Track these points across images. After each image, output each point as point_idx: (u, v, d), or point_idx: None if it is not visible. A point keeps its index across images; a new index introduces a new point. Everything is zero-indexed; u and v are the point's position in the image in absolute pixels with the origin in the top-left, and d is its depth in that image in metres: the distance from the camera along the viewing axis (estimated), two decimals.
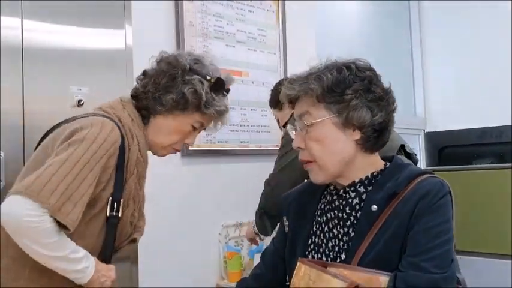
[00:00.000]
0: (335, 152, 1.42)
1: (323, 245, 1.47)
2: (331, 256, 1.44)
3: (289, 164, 2.66)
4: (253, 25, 3.64)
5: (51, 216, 1.54)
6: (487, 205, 2.93)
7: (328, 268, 1.35)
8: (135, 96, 1.86)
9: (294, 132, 1.50)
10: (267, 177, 2.84)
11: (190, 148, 3.13)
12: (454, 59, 4.91)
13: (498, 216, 2.87)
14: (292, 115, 1.83)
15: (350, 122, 1.39)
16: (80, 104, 2.32)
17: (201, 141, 3.24)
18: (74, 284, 1.67)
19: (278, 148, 2.88)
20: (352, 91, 1.39)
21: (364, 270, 1.31)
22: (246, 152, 3.51)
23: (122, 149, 1.72)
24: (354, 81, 1.40)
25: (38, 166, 1.62)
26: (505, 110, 4.24)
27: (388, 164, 1.49)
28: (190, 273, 3.20)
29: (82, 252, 1.65)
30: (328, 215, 1.48)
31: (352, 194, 1.44)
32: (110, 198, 1.72)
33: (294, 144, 1.48)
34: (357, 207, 1.42)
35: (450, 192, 1.38)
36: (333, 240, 1.45)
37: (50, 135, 1.77)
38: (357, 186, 1.44)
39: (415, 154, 2.47)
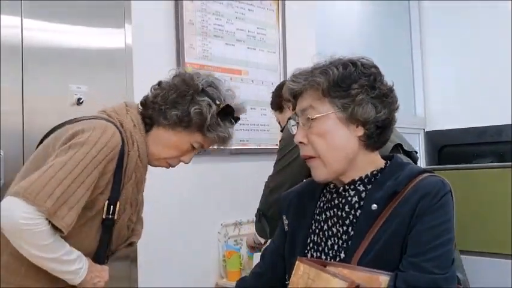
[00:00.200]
0: (338, 147, 1.41)
1: (322, 243, 1.46)
2: (331, 255, 1.43)
3: (287, 166, 2.66)
4: (253, 24, 3.64)
5: (47, 219, 1.56)
6: (487, 204, 2.92)
7: (327, 267, 1.34)
8: (144, 103, 1.88)
9: (294, 128, 1.49)
10: (267, 179, 2.84)
11: None
12: (454, 59, 4.91)
13: (498, 215, 2.87)
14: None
15: (355, 118, 1.39)
16: (79, 102, 2.32)
17: None
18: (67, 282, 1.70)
19: (277, 147, 2.88)
20: (358, 86, 1.38)
21: (363, 270, 1.30)
22: (245, 151, 3.51)
23: (121, 154, 1.73)
24: (359, 77, 1.40)
25: (38, 165, 1.64)
26: (505, 110, 4.24)
27: (388, 162, 1.48)
28: (190, 272, 3.20)
29: (75, 254, 1.68)
30: (328, 214, 1.48)
31: (352, 193, 1.43)
32: (107, 201, 1.74)
33: (296, 139, 1.47)
34: (357, 205, 1.41)
35: (451, 192, 1.37)
36: (332, 239, 1.44)
37: (52, 135, 1.79)
38: (357, 185, 1.43)
39: (416, 152, 2.46)
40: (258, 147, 3.56)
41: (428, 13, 5.21)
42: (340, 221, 1.43)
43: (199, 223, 3.27)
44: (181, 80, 1.84)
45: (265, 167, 2.96)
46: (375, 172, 1.45)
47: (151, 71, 2.97)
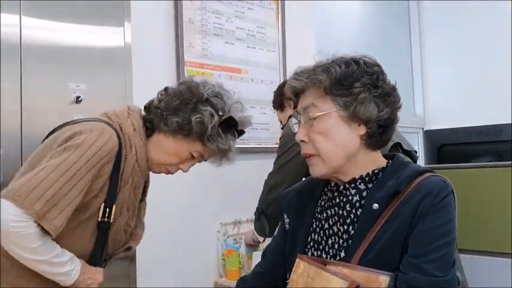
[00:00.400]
0: (340, 145, 1.40)
1: (323, 242, 1.46)
2: (331, 253, 1.42)
3: (287, 163, 2.66)
4: (252, 22, 3.64)
5: (36, 222, 1.56)
6: (486, 203, 2.92)
7: (327, 266, 1.34)
8: (147, 108, 1.87)
9: (296, 126, 1.49)
10: (267, 177, 2.84)
11: None
12: (453, 59, 4.92)
13: (497, 214, 2.87)
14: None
15: (357, 116, 1.38)
16: (78, 100, 2.31)
17: None
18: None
19: (277, 146, 2.88)
20: (361, 84, 1.38)
21: (363, 270, 1.30)
22: (245, 149, 3.50)
23: (118, 157, 1.73)
24: (362, 75, 1.39)
25: (35, 166, 1.65)
26: (504, 109, 4.24)
27: (390, 162, 1.47)
28: (189, 271, 3.20)
29: (67, 256, 1.68)
30: (329, 212, 1.47)
31: (353, 191, 1.42)
32: (103, 204, 1.73)
33: (297, 137, 1.46)
34: (357, 204, 1.41)
35: (453, 192, 1.36)
36: (332, 238, 1.44)
37: (52, 136, 1.79)
38: (357, 183, 1.43)
39: (415, 151, 2.46)
40: (258, 146, 3.56)
41: (427, 13, 5.21)
42: (341, 220, 1.43)
43: (198, 222, 3.27)
44: (186, 88, 1.83)
45: (265, 166, 2.95)
46: (376, 171, 1.44)
47: (151, 70, 3.00)
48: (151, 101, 1.87)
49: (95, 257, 1.79)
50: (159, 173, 1.92)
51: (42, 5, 2.27)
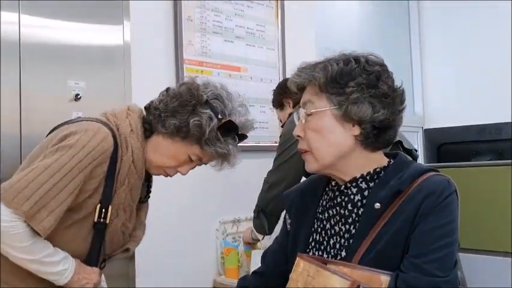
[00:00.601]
0: (331, 144, 1.39)
1: (324, 242, 1.45)
2: (332, 253, 1.42)
3: (286, 161, 2.66)
4: (252, 20, 3.63)
5: (25, 222, 1.55)
6: (486, 202, 2.92)
7: (327, 265, 1.33)
8: (148, 108, 1.84)
9: (298, 120, 1.48)
10: (267, 175, 2.84)
11: None
12: (453, 58, 4.93)
13: (497, 213, 2.87)
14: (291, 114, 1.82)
15: (349, 116, 1.37)
16: (77, 98, 2.31)
17: None
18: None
19: (276, 145, 2.88)
20: (354, 84, 1.36)
21: (364, 269, 1.29)
22: (244, 148, 3.45)
23: (114, 158, 1.70)
24: (359, 74, 1.37)
25: (31, 164, 1.64)
26: (503, 108, 4.23)
27: (392, 160, 1.46)
28: (187, 269, 3.19)
29: (60, 255, 1.68)
30: (330, 212, 1.46)
31: (354, 190, 1.41)
32: (99, 204, 1.72)
33: (295, 133, 1.47)
34: (359, 204, 1.40)
35: (456, 191, 1.35)
36: (334, 238, 1.43)
37: (50, 135, 1.77)
38: (359, 182, 1.41)
39: (416, 150, 2.46)
40: (257, 144, 3.55)
41: (427, 13, 5.21)
42: (342, 220, 1.42)
43: (197, 220, 3.27)
44: (186, 89, 1.78)
45: (264, 164, 2.95)
46: (378, 170, 1.43)
47: (150, 68, 2.99)
48: (152, 102, 1.84)
49: (92, 258, 1.78)
50: (157, 175, 1.89)
51: (41, 3, 2.26)
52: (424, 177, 1.35)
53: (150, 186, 1.99)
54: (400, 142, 2.35)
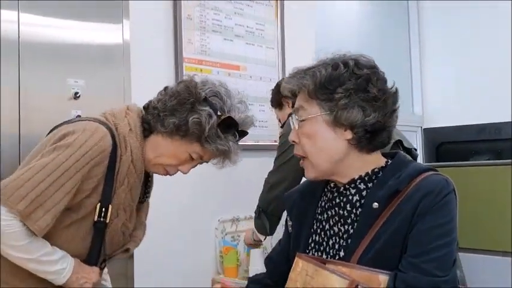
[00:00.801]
0: (324, 149, 1.40)
1: (324, 243, 1.45)
2: (331, 254, 1.42)
3: (287, 161, 2.66)
4: (251, 19, 3.62)
5: (21, 221, 1.55)
6: (485, 202, 2.92)
7: (326, 265, 1.33)
8: (146, 108, 1.83)
9: (293, 125, 1.49)
10: (267, 175, 2.84)
11: None
12: (452, 58, 4.93)
13: (496, 212, 2.86)
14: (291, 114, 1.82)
15: (339, 121, 1.37)
16: (76, 96, 2.31)
17: None
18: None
19: (275, 144, 2.88)
20: (343, 90, 1.36)
21: (363, 269, 1.29)
22: (243, 146, 3.46)
23: (113, 158, 1.70)
24: (348, 79, 1.37)
25: (29, 163, 1.63)
26: (503, 108, 4.23)
27: (390, 160, 1.46)
28: (186, 268, 3.19)
29: (58, 254, 1.67)
30: (329, 213, 1.46)
31: (353, 191, 1.41)
32: (99, 204, 1.71)
33: (290, 138, 1.47)
34: (358, 204, 1.40)
35: (454, 191, 1.35)
36: (333, 238, 1.43)
37: (49, 135, 1.76)
38: (357, 183, 1.41)
39: (415, 149, 2.46)
40: (256, 143, 3.55)
41: (427, 13, 5.22)
42: (341, 220, 1.42)
43: (196, 219, 3.26)
44: (184, 87, 1.77)
45: (264, 163, 2.95)
46: (376, 170, 1.43)
47: (149, 66, 2.99)
48: (150, 101, 1.83)
49: (92, 258, 1.77)
50: (156, 173, 1.88)
51: (41, 2, 2.26)
52: (422, 177, 1.35)
53: (149, 187, 1.98)
54: (400, 141, 2.35)
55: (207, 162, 1.86)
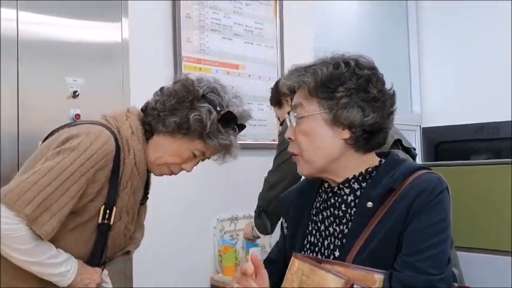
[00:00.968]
0: (320, 147, 1.40)
1: (319, 243, 1.45)
2: (326, 254, 1.42)
3: (286, 160, 2.66)
4: (250, 18, 3.62)
5: (27, 225, 1.55)
6: (484, 201, 2.91)
7: (322, 264, 1.34)
8: (144, 110, 1.83)
9: (290, 122, 1.49)
10: (266, 175, 2.84)
11: None
12: (451, 57, 4.94)
13: (495, 212, 2.86)
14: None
15: (339, 120, 1.37)
16: (75, 95, 2.31)
17: None
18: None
19: (274, 142, 2.87)
20: (344, 89, 1.36)
21: (358, 268, 1.29)
22: (242, 145, 3.48)
23: (116, 161, 1.70)
24: (349, 78, 1.37)
25: (32, 167, 1.63)
26: (502, 108, 4.23)
27: (384, 160, 1.46)
28: (185, 267, 3.20)
29: (62, 256, 1.67)
30: (324, 214, 1.46)
31: (347, 191, 1.42)
32: (103, 207, 1.71)
33: (286, 135, 1.47)
34: (352, 204, 1.40)
35: (448, 189, 1.35)
36: (328, 239, 1.43)
37: (50, 138, 1.76)
38: (351, 183, 1.42)
39: (414, 149, 2.46)
40: (255, 142, 3.55)
41: (425, 12, 5.23)
42: (336, 220, 1.42)
43: (195, 218, 3.27)
44: (181, 86, 1.78)
45: (262, 162, 2.95)
46: (370, 170, 1.43)
47: (148, 65, 2.99)
48: (148, 103, 1.84)
49: (93, 259, 1.77)
50: (161, 175, 1.88)
51: (40, 0, 2.26)
52: (416, 175, 1.35)
53: (148, 189, 1.98)
54: (399, 141, 2.35)
55: (208, 158, 1.87)
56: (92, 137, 1.65)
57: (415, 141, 4.92)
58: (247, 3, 3.61)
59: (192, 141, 1.77)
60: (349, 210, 1.40)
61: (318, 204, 1.51)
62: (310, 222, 1.50)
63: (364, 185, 1.41)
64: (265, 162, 2.84)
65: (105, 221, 1.73)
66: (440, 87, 5.05)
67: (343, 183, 1.43)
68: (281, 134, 2.78)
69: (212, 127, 1.74)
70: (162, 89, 1.84)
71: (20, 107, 2.18)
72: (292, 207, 1.58)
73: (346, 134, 1.38)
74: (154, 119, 1.78)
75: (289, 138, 1.46)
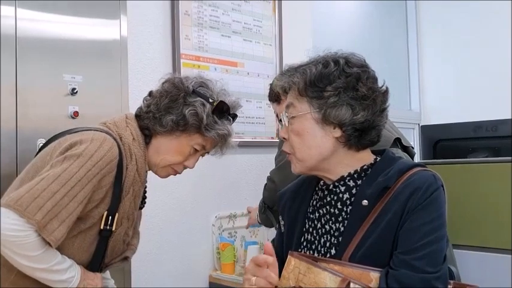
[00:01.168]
0: (312, 146, 1.41)
1: (315, 241, 1.46)
2: (322, 252, 1.42)
3: (287, 161, 2.65)
4: (249, 15, 3.62)
5: (37, 231, 1.54)
6: (483, 199, 2.91)
7: (318, 262, 1.34)
8: (138, 115, 1.85)
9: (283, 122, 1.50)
10: (269, 174, 2.84)
11: None
12: (450, 56, 4.96)
13: (494, 210, 2.86)
14: None
15: (328, 119, 1.38)
16: (73, 92, 2.31)
17: None
18: None
19: (273, 140, 2.87)
20: (332, 88, 1.37)
21: (354, 266, 1.30)
22: (240, 143, 3.47)
23: (120, 167, 1.71)
24: (338, 77, 1.38)
25: (34, 176, 1.63)
26: (501, 106, 4.24)
27: (379, 158, 1.46)
28: (183, 264, 3.20)
29: (67, 263, 1.67)
30: (321, 211, 1.47)
31: (342, 189, 1.42)
32: (106, 212, 1.72)
33: (280, 135, 1.49)
34: (348, 202, 1.40)
35: (443, 186, 1.35)
36: (325, 236, 1.44)
37: (51, 144, 1.76)
38: (346, 181, 1.42)
39: (412, 147, 2.46)
40: (253, 139, 3.55)
41: (425, 11, 5.23)
42: (333, 218, 1.43)
43: (193, 215, 3.27)
44: (171, 85, 1.82)
45: (261, 160, 2.95)
46: (365, 167, 1.43)
47: (147, 62, 2.99)
48: (140, 108, 1.86)
49: (93, 265, 1.77)
50: (166, 176, 1.90)
51: None
52: (411, 173, 1.36)
53: (145, 192, 1.99)
54: (398, 139, 2.35)
55: (208, 152, 1.90)
56: (96, 144, 1.66)
57: (413, 139, 4.93)
58: (246, 1, 3.60)
59: (191, 136, 1.81)
60: (345, 208, 1.41)
61: (314, 202, 1.51)
62: (307, 220, 1.51)
63: (359, 182, 1.41)
64: (264, 160, 2.84)
65: (107, 227, 1.73)
66: (439, 86, 5.06)
67: (338, 181, 1.43)
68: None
69: (208, 119, 1.77)
70: (151, 92, 1.88)
71: (18, 105, 2.18)
72: (289, 204, 1.59)
73: (337, 132, 1.39)
74: (150, 121, 1.80)
75: (283, 138, 1.47)
